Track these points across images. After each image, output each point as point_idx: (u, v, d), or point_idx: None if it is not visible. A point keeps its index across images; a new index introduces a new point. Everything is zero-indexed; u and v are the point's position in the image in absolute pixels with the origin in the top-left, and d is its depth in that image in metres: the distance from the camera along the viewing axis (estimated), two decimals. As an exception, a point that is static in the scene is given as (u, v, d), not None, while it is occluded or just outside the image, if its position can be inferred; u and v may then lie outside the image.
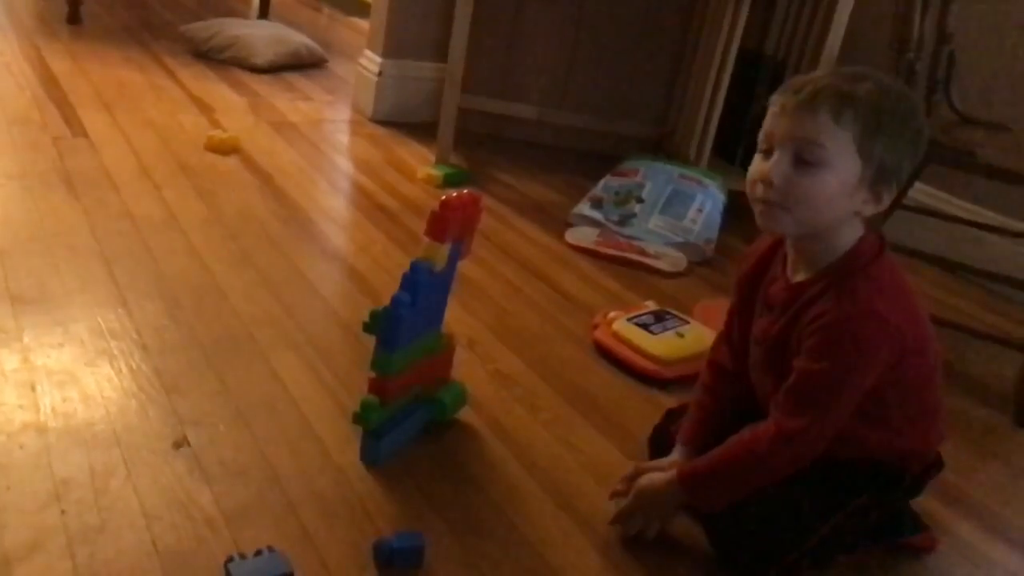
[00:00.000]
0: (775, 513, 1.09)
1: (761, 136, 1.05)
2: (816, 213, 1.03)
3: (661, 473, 1.13)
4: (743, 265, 1.21)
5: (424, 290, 1.20)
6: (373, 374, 1.21)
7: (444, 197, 1.20)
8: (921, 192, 2.19)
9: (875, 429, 1.11)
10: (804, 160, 1.00)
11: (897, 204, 1.04)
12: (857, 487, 1.12)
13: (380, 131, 2.75)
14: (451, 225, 1.20)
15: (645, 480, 1.13)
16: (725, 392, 1.22)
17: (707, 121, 2.43)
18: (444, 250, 1.22)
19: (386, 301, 1.19)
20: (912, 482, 1.17)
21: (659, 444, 1.29)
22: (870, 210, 1.03)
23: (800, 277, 1.09)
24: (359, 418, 1.21)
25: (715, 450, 1.09)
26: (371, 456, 1.22)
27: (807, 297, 1.06)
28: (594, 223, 2.19)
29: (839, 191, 1.01)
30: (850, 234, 1.05)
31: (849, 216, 1.04)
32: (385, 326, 1.18)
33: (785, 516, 1.09)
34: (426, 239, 1.21)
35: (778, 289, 1.11)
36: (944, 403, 1.18)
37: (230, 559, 0.99)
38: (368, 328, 1.20)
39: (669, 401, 1.49)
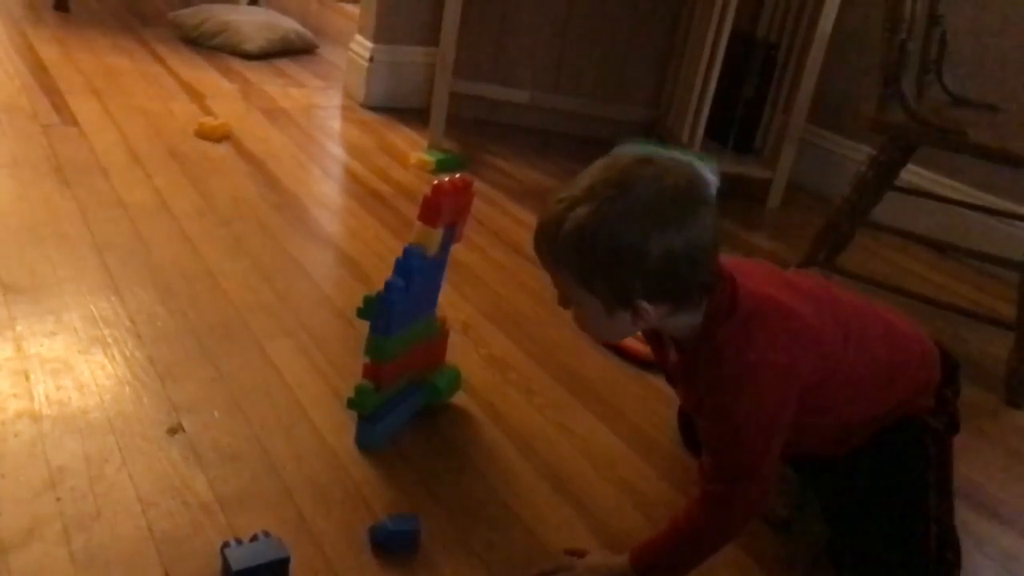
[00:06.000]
0: (887, 516, 1.08)
1: None
2: (598, 335, 1.05)
3: (611, 555, 1.07)
4: None
5: (417, 275, 1.20)
6: (367, 359, 1.21)
7: (436, 182, 1.20)
8: (912, 173, 2.20)
9: (855, 411, 1.10)
10: None
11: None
12: (913, 450, 1.10)
13: (372, 117, 2.74)
14: (443, 210, 1.20)
15: (593, 558, 1.07)
16: None
17: (700, 104, 2.43)
18: (437, 235, 1.21)
19: (379, 286, 1.19)
20: (939, 413, 1.14)
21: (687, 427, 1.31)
22: (643, 324, 0.99)
23: (680, 352, 1.07)
24: (354, 403, 1.21)
25: (663, 526, 1.06)
26: (366, 441, 1.22)
27: (689, 367, 1.05)
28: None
29: (596, 318, 1.00)
30: (691, 318, 1.00)
31: (648, 323, 0.99)
32: (379, 311, 1.18)
33: (895, 513, 1.08)
34: (419, 224, 1.21)
35: (671, 363, 1.10)
36: (906, 342, 1.14)
37: (226, 544, 0.99)
38: (362, 313, 1.20)
39: (662, 383, 1.49)
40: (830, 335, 1.04)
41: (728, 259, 1.05)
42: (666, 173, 0.95)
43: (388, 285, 1.18)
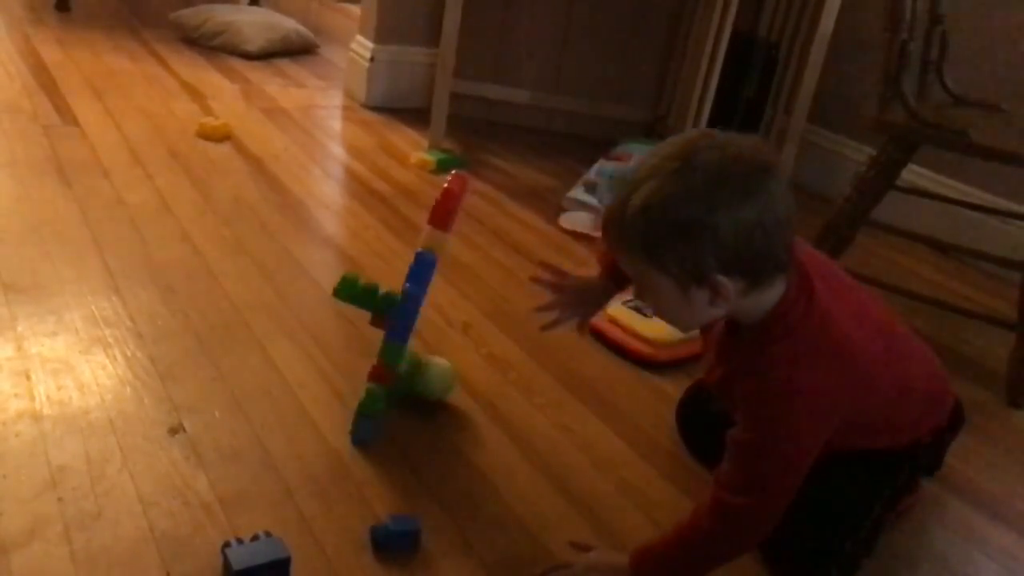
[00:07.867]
0: (827, 510, 1.09)
1: None
2: (676, 321, 1.03)
3: (613, 553, 1.07)
4: None
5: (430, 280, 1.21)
6: (377, 362, 1.22)
7: (446, 185, 1.20)
8: (913, 173, 2.19)
9: (868, 439, 1.11)
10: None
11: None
12: (889, 468, 1.12)
13: (372, 117, 2.74)
14: (454, 214, 1.20)
15: (595, 556, 1.06)
16: None
17: (700, 104, 2.43)
18: (448, 239, 1.22)
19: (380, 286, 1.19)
20: (929, 449, 1.16)
21: (686, 420, 1.31)
22: (723, 305, 0.95)
23: (728, 330, 1.06)
24: (367, 407, 1.21)
25: (667, 530, 1.05)
26: (361, 436, 1.22)
27: (736, 356, 1.03)
28: (588, 208, 2.19)
29: (672, 302, 0.97)
30: (763, 300, 0.97)
31: (725, 307, 0.96)
32: (399, 319, 1.19)
33: (837, 510, 1.09)
34: (428, 228, 1.21)
35: (717, 332, 1.08)
36: (935, 383, 1.16)
37: (227, 544, 0.99)
38: (338, 293, 1.20)
39: (663, 383, 1.49)
40: (882, 377, 1.03)
41: (806, 249, 1.03)
42: (728, 144, 0.92)
43: (409, 294, 1.18)
